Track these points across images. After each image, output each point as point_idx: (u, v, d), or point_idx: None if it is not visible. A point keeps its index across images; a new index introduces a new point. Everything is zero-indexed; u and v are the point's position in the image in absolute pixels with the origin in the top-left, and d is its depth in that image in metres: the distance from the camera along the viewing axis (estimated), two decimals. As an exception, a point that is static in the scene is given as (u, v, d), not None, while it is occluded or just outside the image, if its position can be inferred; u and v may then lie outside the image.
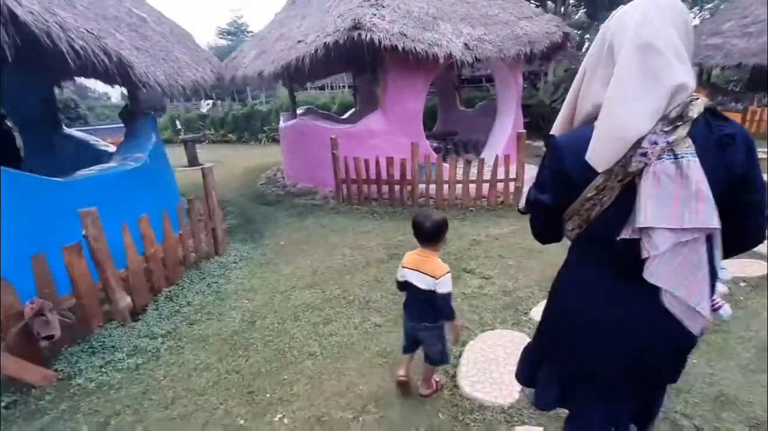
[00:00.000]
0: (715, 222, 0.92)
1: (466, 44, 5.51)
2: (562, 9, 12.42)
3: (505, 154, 5.57)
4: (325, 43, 5.29)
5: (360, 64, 7.27)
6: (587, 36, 14.91)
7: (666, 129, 0.92)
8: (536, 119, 12.33)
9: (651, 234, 0.94)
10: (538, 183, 1.16)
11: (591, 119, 1.05)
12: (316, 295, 3.42)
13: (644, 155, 0.92)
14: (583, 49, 14.61)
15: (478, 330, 2.76)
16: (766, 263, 3.35)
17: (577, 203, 1.04)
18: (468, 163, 5.28)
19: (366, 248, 4.35)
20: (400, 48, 5.16)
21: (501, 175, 5.31)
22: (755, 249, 3.46)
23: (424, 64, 5.55)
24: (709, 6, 19.75)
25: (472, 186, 5.41)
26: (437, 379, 2.27)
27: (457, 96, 10.29)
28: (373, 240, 4.56)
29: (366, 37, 5.09)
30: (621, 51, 0.97)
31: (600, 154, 0.97)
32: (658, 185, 0.92)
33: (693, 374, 2.25)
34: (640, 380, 1.15)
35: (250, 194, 7.34)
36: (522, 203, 1.33)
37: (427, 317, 1.93)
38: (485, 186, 5.42)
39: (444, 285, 1.81)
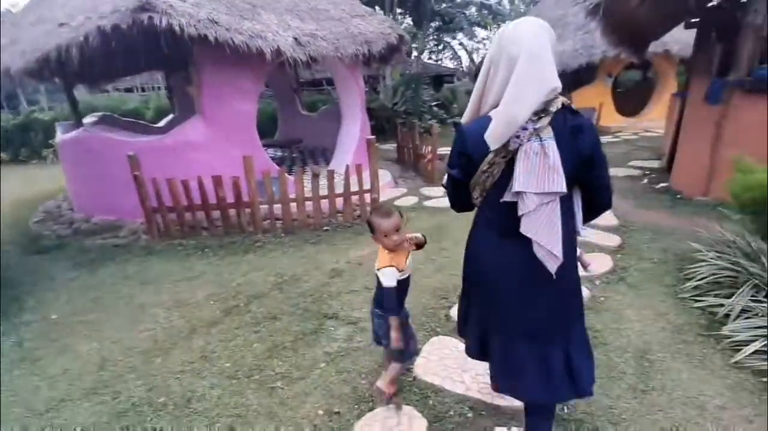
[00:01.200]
0: (564, 188, 1.23)
1: (296, 39, 4.73)
2: (391, 16, 12.78)
3: (356, 162, 5.04)
4: (99, 27, 3.82)
5: (171, 58, 5.82)
6: (414, 45, 15.88)
7: (534, 119, 1.21)
8: (381, 122, 12.44)
9: (524, 197, 1.25)
10: (450, 161, 1.44)
11: (492, 109, 1.33)
12: (100, 409, 2.18)
13: (518, 137, 1.23)
14: (412, 56, 15.47)
15: (353, 412, 2.02)
16: (610, 257, 3.52)
17: (476, 176, 1.34)
18: (316, 176, 4.53)
19: (191, 305, 3.18)
20: (211, 38, 4.07)
21: (355, 185, 4.73)
22: (601, 242, 3.71)
23: (250, 60, 4.57)
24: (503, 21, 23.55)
25: (325, 202, 4.69)
26: (394, 392, 1.95)
27: (297, 99, 9.47)
28: (201, 290, 3.41)
29: (161, 22, 3.84)
30: (518, 59, 1.21)
31: (496, 135, 1.25)
32: (528, 161, 1.23)
33: (596, 413, 1.95)
34: (534, 316, 1.42)
35: (16, 239, 5.14)
36: (444, 180, 1.58)
37: (377, 304, 1.90)
38: (339, 200, 4.77)
39: (384, 279, 1.76)
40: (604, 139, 2.40)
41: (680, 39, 9.50)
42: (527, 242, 1.29)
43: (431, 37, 15.31)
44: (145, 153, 4.72)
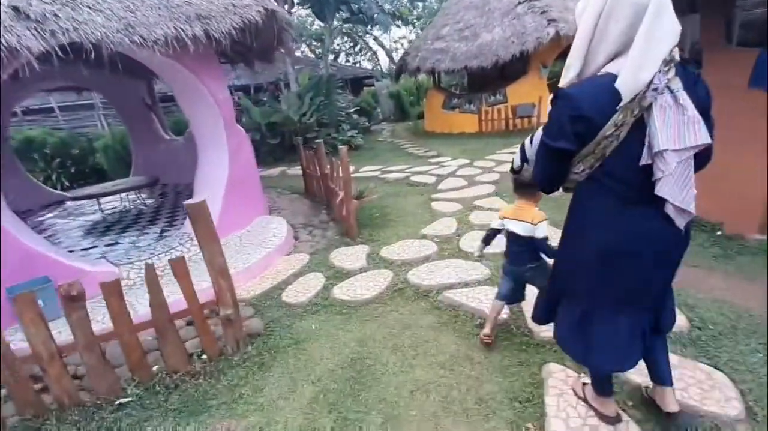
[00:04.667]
0: (709, 138, 1.18)
1: (20, 12, 2.23)
2: (286, 8, 10.41)
3: (226, 218, 2.73)
4: None
5: None
6: (319, 46, 13.52)
7: (665, 69, 1.15)
8: (288, 138, 9.98)
9: (664, 156, 1.17)
10: (553, 133, 1.30)
11: (601, 65, 1.27)
12: None
13: (655, 89, 1.15)
14: (329, 60, 13.14)
15: None
16: None
17: (593, 143, 1.23)
18: (72, 300, 2.03)
19: None
20: None
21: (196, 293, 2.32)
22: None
23: None
24: (420, 22, 22.01)
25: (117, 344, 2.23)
26: None
27: (155, 120, 6.75)
28: None
29: None
30: (648, 5, 1.15)
31: (629, 85, 1.16)
32: (664, 115, 1.16)
33: None
34: (656, 285, 1.39)
35: None
36: (516, 161, 1.65)
37: (530, 260, 2.08)
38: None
39: (541, 230, 1.98)
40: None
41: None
42: (655, 205, 1.25)
43: (341, 31, 13.18)
44: None
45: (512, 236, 2.08)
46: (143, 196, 6.25)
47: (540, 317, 1.73)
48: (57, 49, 2.31)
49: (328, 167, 5.15)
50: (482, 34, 10.32)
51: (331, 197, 5.14)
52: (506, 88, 10.68)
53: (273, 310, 2.93)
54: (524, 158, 1.59)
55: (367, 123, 13.40)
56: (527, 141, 1.55)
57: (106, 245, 4.03)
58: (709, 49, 3.44)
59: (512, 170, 1.68)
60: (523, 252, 2.08)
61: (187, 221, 4.17)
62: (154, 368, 2.34)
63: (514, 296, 2.23)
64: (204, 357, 2.44)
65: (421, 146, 10.04)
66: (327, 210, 5.30)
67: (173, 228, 4.40)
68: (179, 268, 2.18)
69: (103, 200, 5.59)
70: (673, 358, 1.85)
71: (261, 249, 3.73)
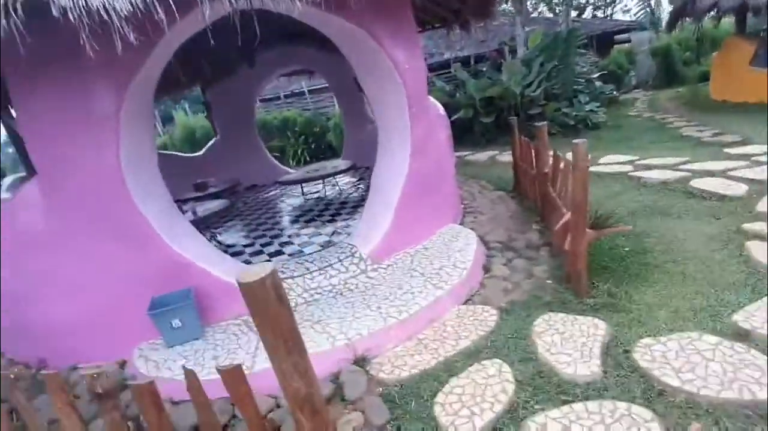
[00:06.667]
0: None
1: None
2: None
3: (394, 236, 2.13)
4: None
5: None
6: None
7: None
8: (504, 115, 8.35)
9: None
10: None
11: None
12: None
13: None
14: (570, 17, 10.53)
15: None
16: None
17: None
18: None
19: None
20: None
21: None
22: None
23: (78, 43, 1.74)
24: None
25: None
26: None
27: (364, 100, 6.43)
28: None
29: None
30: None
31: None
32: None
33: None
34: None
35: None
36: None
37: None
38: None
39: None
40: None
41: None
42: None
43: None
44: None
45: None
46: (344, 181, 6.08)
47: None
48: (157, 5, 1.68)
49: (550, 163, 3.52)
50: None
51: (549, 209, 3.51)
52: None
53: (417, 428, 1.76)
54: None
55: (614, 92, 10.26)
56: None
57: (280, 244, 3.73)
58: None
59: None
60: None
61: (360, 227, 3.44)
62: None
63: None
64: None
65: (707, 123, 6.71)
66: (540, 225, 3.71)
67: (345, 231, 3.78)
68: (232, 378, 1.25)
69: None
70: None
71: (430, 290, 2.59)
